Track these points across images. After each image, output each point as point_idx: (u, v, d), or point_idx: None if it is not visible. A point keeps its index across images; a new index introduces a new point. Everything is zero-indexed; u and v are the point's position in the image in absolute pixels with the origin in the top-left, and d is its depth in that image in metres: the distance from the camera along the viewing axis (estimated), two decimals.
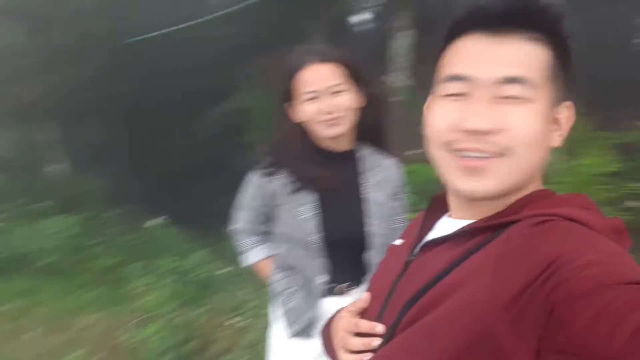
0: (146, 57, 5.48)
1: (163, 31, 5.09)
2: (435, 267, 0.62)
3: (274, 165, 1.23)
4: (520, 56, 0.59)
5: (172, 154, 5.82)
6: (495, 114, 0.59)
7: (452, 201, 0.72)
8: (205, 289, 3.42)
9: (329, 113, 1.11)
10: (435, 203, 0.77)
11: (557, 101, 0.63)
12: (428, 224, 0.76)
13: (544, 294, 0.48)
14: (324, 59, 1.12)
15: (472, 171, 0.61)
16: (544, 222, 0.56)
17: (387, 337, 0.65)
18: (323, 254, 1.21)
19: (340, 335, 0.75)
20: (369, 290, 0.79)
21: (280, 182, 1.23)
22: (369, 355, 0.69)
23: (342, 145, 1.21)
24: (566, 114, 0.65)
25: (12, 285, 3.69)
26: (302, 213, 1.21)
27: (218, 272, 3.57)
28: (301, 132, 1.18)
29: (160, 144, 5.88)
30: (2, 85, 4.76)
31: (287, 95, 1.16)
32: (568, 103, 0.65)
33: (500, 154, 0.60)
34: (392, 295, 0.70)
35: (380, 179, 1.23)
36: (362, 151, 1.25)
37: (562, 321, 0.46)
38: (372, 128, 1.24)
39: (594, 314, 0.43)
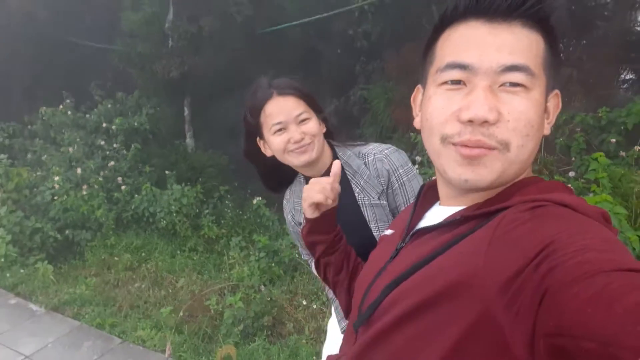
0: (282, 47, 5.79)
1: (300, 21, 5.33)
2: (423, 252, 0.63)
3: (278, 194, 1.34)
4: (522, 44, 0.59)
5: None
6: (495, 103, 0.58)
7: (442, 190, 0.71)
8: (291, 270, 3.53)
9: (298, 141, 1.12)
10: (427, 192, 0.77)
11: (549, 90, 0.63)
12: (419, 213, 0.76)
13: (538, 278, 0.47)
14: (285, 92, 1.13)
15: (471, 160, 0.60)
16: (536, 207, 0.56)
17: (367, 315, 0.66)
18: None
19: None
20: (357, 281, 0.80)
21: (287, 211, 1.32)
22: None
23: (319, 169, 1.20)
24: (554, 102, 0.64)
25: (131, 240, 4.21)
26: None
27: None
28: (278, 165, 1.21)
29: None
30: (148, 61, 5.41)
31: (256, 131, 1.18)
32: (556, 91, 0.64)
33: (500, 146, 0.59)
34: (378, 277, 0.71)
35: (365, 179, 1.18)
36: (344, 156, 1.21)
37: (556, 303, 0.45)
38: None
39: (589, 295, 0.42)
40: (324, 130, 1.20)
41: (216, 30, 5.23)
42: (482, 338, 0.52)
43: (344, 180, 1.17)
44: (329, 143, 1.23)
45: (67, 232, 4.11)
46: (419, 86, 0.72)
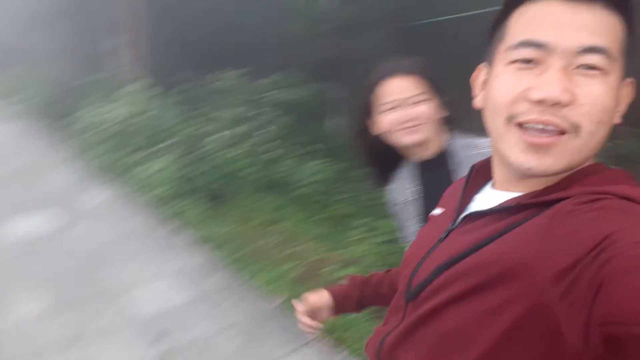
0: (426, 41, 5.70)
1: (446, 17, 5.18)
2: (477, 237, 0.61)
3: (379, 181, 1.34)
4: (603, 25, 0.56)
5: None
6: (569, 85, 0.55)
7: (499, 173, 0.68)
8: None
9: (409, 121, 1.10)
10: (478, 172, 0.75)
11: (624, 77, 0.60)
12: (469, 194, 0.74)
13: (595, 269, 0.46)
14: (405, 72, 1.11)
15: (538, 148, 0.57)
16: (597, 200, 0.54)
17: (415, 293, 0.67)
18: None
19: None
20: (405, 256, 0.80)
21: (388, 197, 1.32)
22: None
23: (426, 153, 1.17)
24: (627, 90, 0.62)
25: (270, 202, 4.61)
26: (410, 227, 1.23)
27: None
28: (384, 147, 1.20)
29: None
30: (306, 42, 5.78)
31: (366, 110, 1.18)
32: (630, 79, 0.61)
33: (570, 129, 0.56)
34: (427, 257, 0.70)
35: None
36: (453, 145, 1.18)
37: (611, 293, 0.44)
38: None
39: None
40: (442, 115, 1.18)
41: (369, 17, 5.33)
42: (534, 326, 0.51)
43: (444, 172, 1.16)
44: (448, 129, 1.22)
45: (219, 183, 4.67)
46: (482, 65, 0.70)
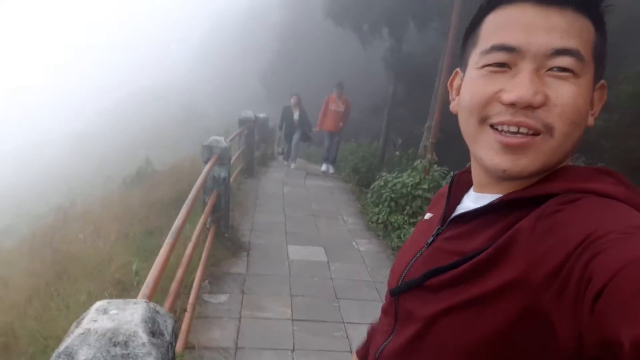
0: None
1: None
2: (465, 244, 0.63)
3: None
4: (574, 28, 0.57)
5: None
6: (541, 87, 0.57)
7: (478, 177, 0.69)
8: None
9: None
10: (460, 177, 0.77)
11: (597, 80, 0.61)
12: (455, 197, 0.75)
13: (580, 267, 0.47)
14: None
15: (513, 149, 0.58)
16: (578, 199, 0.55)
17: (402, 290, 0.71)
18: None
19: None
20: (397, 257, 0.83)
21: None
22: None
23: None
24: (600, 93, 0.62)
25: None
26: None
27: None
28: None
29: None
30: None
31: None
32: (602, 82, 0.62)
33: (544, 130, 0.57)
34: (415, 260, 0.73)
35: None
36: None
37: (601, 293, 0.44)
38: None
39: (633, 287, 0.41)
40: None
41: None
42: (531, 332, 0.51)
43: None
44: None
45: None
46: (458, 70, 0.71)
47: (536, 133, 0.57)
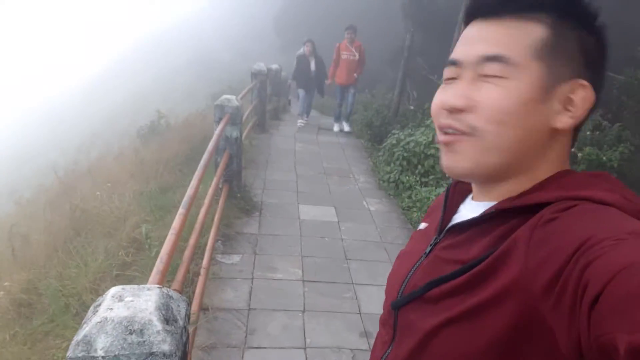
0: None
1: None
2: (463, 252, 0.64)
3: None
4: (501, 35, 0.61)
5: None
6: (470, 92, 0.62)
7: (472, 185, 0.73)
8: None
9: None
10: (455, 186, 0.77)
11: (560, 79, 0.60)
12: (452, 207, 0.76)
13: (577, 274, 0.47)
14: None
15: (448, 146, 0.65)
16: (573, 206, 0.55)
17: (402, 303, 0.71)
18: None
19: None
20: (393, 268, 0.83)
21: None
22: None
23: None
24: (581, 94, 0.61)
25: None
26: None
27: None
28: None
29: None
30: None
31: None
32: (582, 82, 0.60)
33: (467, 132, 0.62)
34: (414, 272, 0.73)
35: None
36: None
37: (598, 300, 0.44)
38: None
39: (628, 292, 0.42)
40: None
41: None
42: (530, 340, 0.52)
43: None
44: None
45: None
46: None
47: (464, 133, 0.62)
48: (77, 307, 3.11)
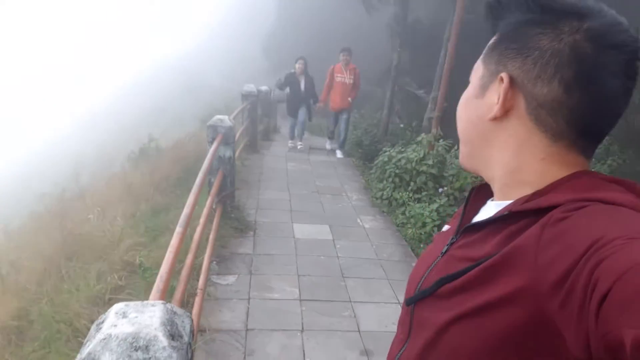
0: None
1: None
2: (475, 250, 0.66)
3: None
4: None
5: None
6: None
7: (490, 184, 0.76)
8: None
9: None
10: (479, 190, 0.80)
11: (492, 76, 0.68)
12: (473, 209, 0.79)
13: (586, 274, 0.47)
14: None
15: None
16: (584, 206, 0.55)
17: (416, 299, 0.73)
18: None
19: None
20: (414, 267, 0.85)
21: None
22: None
23: None
24: (497, 85, 0.67)
25: None
26: None
27: None
28: None
29: None
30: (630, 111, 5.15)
31: None
32: (500, 75, 0.66)
33: None
34: (430, 271, 0.75)
35: None
36: None
37: (607, 298, 0.44)
38: None
39: (636, 289, 0.42)
40: None
41: None
42: (539, 338, 0.52)
43: None
44: None
45: None
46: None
47: None
48: (70, 333, 3.03)
